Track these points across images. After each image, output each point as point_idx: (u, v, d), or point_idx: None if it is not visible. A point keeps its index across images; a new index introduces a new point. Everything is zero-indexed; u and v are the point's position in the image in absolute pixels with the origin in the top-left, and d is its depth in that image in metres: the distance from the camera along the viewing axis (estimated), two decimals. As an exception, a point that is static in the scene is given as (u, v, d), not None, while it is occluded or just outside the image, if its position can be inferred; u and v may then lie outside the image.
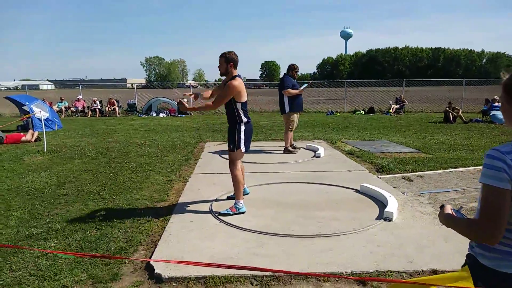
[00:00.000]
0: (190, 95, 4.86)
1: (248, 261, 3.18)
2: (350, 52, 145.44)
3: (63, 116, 17.85)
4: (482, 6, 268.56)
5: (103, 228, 4.09)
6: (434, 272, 2.99)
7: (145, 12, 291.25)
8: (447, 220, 1.58)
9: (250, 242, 3.57)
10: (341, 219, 4.11)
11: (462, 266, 1.60)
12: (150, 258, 3.38)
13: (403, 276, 2.98)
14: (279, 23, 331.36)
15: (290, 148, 8.08)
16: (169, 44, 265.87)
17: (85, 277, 3.09)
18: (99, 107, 18.71)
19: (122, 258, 3.28)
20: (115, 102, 19.01)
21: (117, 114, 18.74)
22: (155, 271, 3.06)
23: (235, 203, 4.34)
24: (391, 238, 3.62)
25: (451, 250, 3.34)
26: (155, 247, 3.55)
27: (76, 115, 18.62)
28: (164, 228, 4.01)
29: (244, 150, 4.39)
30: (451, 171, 6.26)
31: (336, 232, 3.74)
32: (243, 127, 4.35)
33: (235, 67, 4.33)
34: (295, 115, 7.93)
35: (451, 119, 13.99)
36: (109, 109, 18.78)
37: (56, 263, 3.32)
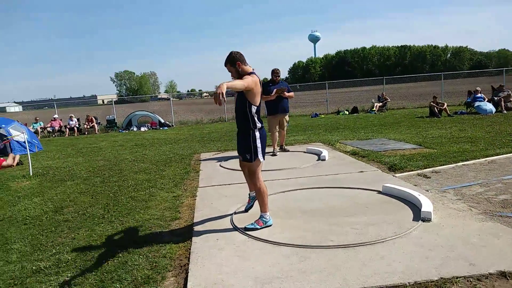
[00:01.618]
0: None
1: (297, 279, 2.88)
2: (320, 54, 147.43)
3: (39, 137, 17.03)
4: (441, 2, 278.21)
5: (120, 255, 3.69)
6: (503, 274, 2.77)
7: (111, 27, 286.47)
8: None
9: (291, 257, 3.26)
10: (376, 224, 3.86)
11: None
12: (185, 285, 3.03)
13: (470, 281, 2.74)
14: (248, 30, 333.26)
15: (284, 147, 8.72)
16: (138, 57, 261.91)
17: (116, 314, 2.71)
18: (77, 125, 17.97)
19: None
20: (94, 119, 18.32)
21: (96, 131, 18.06)
22: (198, 301, 2.71)
23: (262, 216, 4.02)
24: (438, 240, 3.39)
25: (509, 248, 3.13)
26: (187, 272, 3.19)
27: (53, 135, 17.82)
28: (189, 249, 3.65)
29: (263, 160, 4.06)
30: (464, 165, 6.14)
31: (379, 239, 3.48)
32: (257, 134, 3.98)
33: (245, 63, 3.88)
34: (271, 118, 8.30)
35: (437, 113, 14.10)
36: (88, 127, 18.07)
37: (78, 301, 2.93)
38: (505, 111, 13.90)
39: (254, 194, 4.22)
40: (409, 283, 2.73)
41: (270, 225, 4.00)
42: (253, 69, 3.98)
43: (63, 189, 6.47)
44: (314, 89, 28.04)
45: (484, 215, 3.94)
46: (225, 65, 3.90)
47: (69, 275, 3.37)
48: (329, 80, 23.11)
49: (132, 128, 18.38)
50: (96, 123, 18.40)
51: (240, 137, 4.09)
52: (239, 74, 3.87)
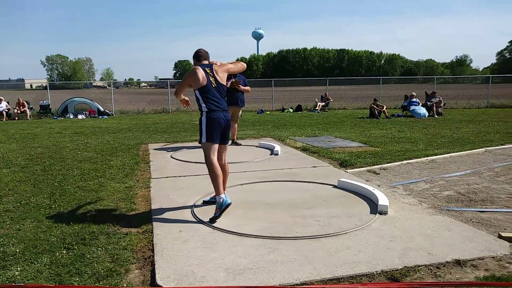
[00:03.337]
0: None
1: (269, 270, 2.89)
2: (262, 52, 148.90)
3: (-40, 120, 15.44)
4: (376, 9, 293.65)
5: (75, 247, 3.46)
6: (458, 262, 2.99)
7: (43, 7, 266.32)
8: None
9: (260, 248, 3.27)
10: (337, 216, 3.99)
11: None
12: (152, 277, 2.91)
13: (431, 269, 2.93)
14: (191, 21, 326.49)
15: (235, 141, 8.65)
16: (72, 41, 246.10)
17: (79, 309, 2.54)
18: (7, 109, 16.53)
19: None
20: (26, 104, 16.96)
21: (28, 117, 16.75)
22: (169, 293, 2.62)
23: (216, 201, 3.99)
24: (397, 231, 3.58)
25: (459, 239, 3.39)
26: (153, 265, 3.07)
27: (-23, 120, 16.24)
28: (151, 241, 3.52)
29: (208, 141, 4.09)
30: (408, 163, 6.54)
31: (342, 231, 3.60)
32: (204, 118, 4.12)
33: (198, 59, 4.22)
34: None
35: (377, 114, 14.88)
36: (19, 112, 16.69)
37: (33, 296, 2.70)
38: (436, 116, 15.02)
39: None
40: (376, 271, 2.86)
41: (228, 203, 3.98)
42: (209, 63, 4.26)
43: (-1, 177, 5.93)
44: (259, 85, 28.30)
45: (433, 209, 4.23)
46: None
47: (18, 268, 3.10)
48: (270, 78, 23.42)
49: (68, 115, 17.30)
50: (28, 108, 17.06)
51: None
52: None
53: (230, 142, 8.46)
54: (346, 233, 3.55)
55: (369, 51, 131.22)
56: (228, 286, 2.58)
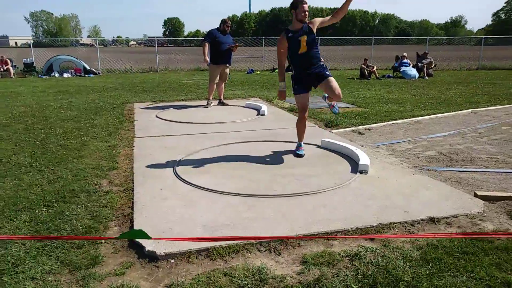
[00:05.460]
0: None
1: (245, 226, 2.93)
2: (254, 10, 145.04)
3: None
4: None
5: (55, 205, 3.45)
6: (432, 219, 3.05)
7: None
8: None
9: (238, 206, 3.29)
10: (318, 175, 4.01)
11: None
12: (130, 234, 2.93)
13: (405, 226, 2.99)
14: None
15: (222, 101, 8.60)
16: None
17: (57, 264, 2.56)
18: (-11, 67, 16.05)
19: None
20: (9, 62, 16.46)
21: (11, 75, 16.30)
22: (146, 249, 2.64)
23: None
24: (375, 190, 3.62)
25: (436, 197, 3.45)
26: (132, 222, 3.09)
27: (-41, 77, 15.79)
28: (131, 199, 3.53)
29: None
30: (393, 123, 6.55)
31: (321, 189, 3.63)
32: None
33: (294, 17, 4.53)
34: (215, 67, 8.02)
35: (367, 75, 14.75)
36: (2, 70, 16.22)
37: (11, 252, 2.71)
38: (426, 77, 14.94)
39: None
40: (351, 228, 2.91)
41: None
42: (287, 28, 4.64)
43: (-21, 136, 5.83)
44: (249, 44, 27.75)
45: (413, 168, 4.27)
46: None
47: (-3, 225, 3.10)
48: (263, 36, 22.86)
49: (53, 74, 16.86)
50: (12, 66, 16.58)
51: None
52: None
53: (216, 102, 8.45)
54: (324, 191, 3.59)
55: (364, 10, 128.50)
56: (199, 237, 2.61)
